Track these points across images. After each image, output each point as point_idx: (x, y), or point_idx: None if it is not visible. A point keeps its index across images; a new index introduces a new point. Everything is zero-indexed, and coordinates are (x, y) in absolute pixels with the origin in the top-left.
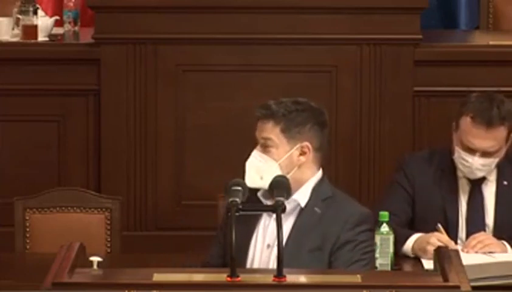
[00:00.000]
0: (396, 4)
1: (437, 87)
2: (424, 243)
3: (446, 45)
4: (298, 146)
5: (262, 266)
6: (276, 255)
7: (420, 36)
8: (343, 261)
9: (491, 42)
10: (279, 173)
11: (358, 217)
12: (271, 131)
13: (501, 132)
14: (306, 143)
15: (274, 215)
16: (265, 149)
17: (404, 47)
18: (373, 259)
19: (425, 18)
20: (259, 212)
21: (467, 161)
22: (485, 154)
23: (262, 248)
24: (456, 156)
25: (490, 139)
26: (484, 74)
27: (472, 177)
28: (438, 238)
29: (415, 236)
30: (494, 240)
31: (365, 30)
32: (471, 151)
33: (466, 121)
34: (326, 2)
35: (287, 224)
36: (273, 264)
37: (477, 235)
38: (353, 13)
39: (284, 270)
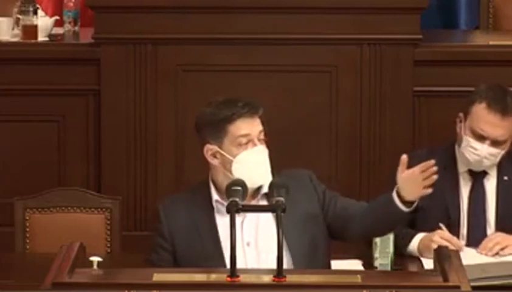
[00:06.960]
0: (396, 4)
1: (437, 87)
2: (428, 241)
3: (446, 45)
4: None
5: (250, 265)
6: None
7: (420, 36)
8: (335, 203)
9: (491, 42)
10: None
11: (310, 172)
12: (262, 123)
13: None
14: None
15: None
16: (262, 142)
17: (404, 47)
18: None
19: (425, 18)
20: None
21: (476, 149)
22: (494, 143)
23: (243, 247)
24: (464, 145)
25: (502, 127)
26: (484, 74)
27: (477, 167)
28: (441, 235)
29: (420, 235)
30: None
31: (365, 30)
32: (482, 138)
33: (479, 108)
34: (326, 2)
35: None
36: (262, 261)
37: (493, 236)
38: (353, 13)
39: (284, 270)
